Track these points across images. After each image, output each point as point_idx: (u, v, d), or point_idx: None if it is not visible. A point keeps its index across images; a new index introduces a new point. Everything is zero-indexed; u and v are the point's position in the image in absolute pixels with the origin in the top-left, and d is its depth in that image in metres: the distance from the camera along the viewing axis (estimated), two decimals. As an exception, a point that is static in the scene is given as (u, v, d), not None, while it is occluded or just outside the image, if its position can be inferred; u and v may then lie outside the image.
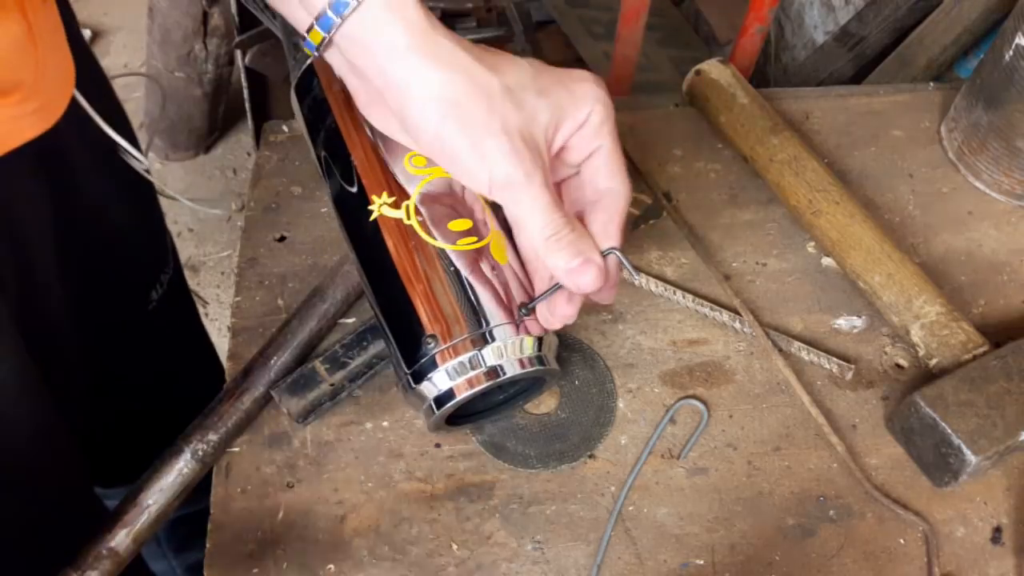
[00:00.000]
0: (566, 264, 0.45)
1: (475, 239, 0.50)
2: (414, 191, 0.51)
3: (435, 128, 0.43)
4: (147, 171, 0.66)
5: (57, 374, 0.63)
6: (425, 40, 0.42)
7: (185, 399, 0.83)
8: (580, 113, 0.46)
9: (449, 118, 0.43)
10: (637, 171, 0.73)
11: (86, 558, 0.53)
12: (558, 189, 0.50)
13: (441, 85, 0.42)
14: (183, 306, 0.87)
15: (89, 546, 0.53)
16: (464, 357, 0.48)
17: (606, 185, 0.47)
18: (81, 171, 0.62)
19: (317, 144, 0.55)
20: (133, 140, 0.68)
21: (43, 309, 0.60)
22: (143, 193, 0.73)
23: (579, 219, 0.48)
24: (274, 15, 0.59)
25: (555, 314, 0.49)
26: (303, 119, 0.56)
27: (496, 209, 0.51)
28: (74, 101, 0.55)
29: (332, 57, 0.47)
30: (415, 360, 0.49)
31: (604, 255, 0.47)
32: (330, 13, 0.42)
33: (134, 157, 0.64)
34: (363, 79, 0.46)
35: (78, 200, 0.62)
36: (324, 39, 0.44)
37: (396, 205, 0.50)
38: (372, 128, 0.52)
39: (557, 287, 0.48)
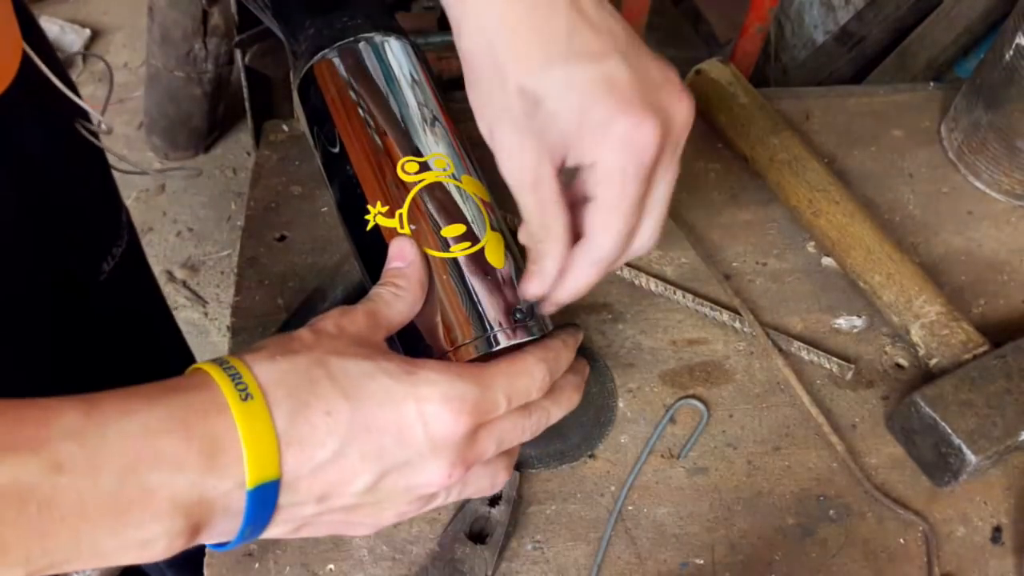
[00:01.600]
0: (528, 263, 0.46)
1: (469, 244, 0.50)
2: (406, 200, 0.51)
3: (468, 53, 0.43)
4: (95, 134, 0.66)
5: (20, 342, 0.62)
6: None
7: (145, 372, 0.83)
8: (585, 154, 0.41)
9: (489, 57, 0.41)
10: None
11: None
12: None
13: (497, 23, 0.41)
14: (138, 280, 0.87)
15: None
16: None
17: (588, 231, 0.44)
18: (29, 137, 0.61)
19: (319, 149, 0.55)
20: (83, 110, 0.68)
21: (7, 270, 0.60)
22: (94, 162, 0.73)
23: None
24: (274, 14, 0.59)
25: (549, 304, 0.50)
26: (306, 123, 0.56)
27: (493, 210, 0.51)
28: (22, 67, 0.55)
29: None
30: None
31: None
32: None
33: (86, 125, 0.64)
34: None
35: (26, 164, 0.62)
36: None
37: (391, 214, 0.50)
38: (373, 129, 0.52)
39: None
